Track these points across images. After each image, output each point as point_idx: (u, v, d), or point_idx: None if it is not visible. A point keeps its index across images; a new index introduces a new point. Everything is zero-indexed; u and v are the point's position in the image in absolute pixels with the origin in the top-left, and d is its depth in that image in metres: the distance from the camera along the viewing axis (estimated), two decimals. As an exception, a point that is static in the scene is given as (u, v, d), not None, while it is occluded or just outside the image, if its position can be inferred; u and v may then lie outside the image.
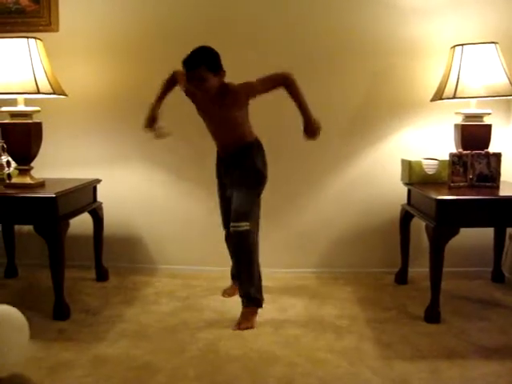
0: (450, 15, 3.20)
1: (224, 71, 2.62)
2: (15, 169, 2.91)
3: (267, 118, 3.34)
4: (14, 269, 3.40)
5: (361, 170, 3.38)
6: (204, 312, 2.79)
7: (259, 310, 2.69)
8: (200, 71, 2.51)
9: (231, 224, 2.62)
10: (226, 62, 3.30)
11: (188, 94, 2.74)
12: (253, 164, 2.73)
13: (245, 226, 2.59)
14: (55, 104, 3.20)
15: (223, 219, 2.89)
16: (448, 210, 2.60)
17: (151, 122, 2.84)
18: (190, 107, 3.25)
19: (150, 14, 3.32)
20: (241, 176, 2.71)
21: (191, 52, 2.55)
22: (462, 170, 2.85)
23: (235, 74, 3.31)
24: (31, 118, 2.85)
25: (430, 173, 3.02)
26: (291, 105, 3.31)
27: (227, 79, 2.65)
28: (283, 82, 2.67)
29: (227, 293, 3.00)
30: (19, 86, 2.74)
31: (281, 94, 3.30)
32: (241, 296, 2.70)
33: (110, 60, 3.37)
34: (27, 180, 2.85)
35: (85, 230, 3.25)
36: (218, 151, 2.86)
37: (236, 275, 2.84)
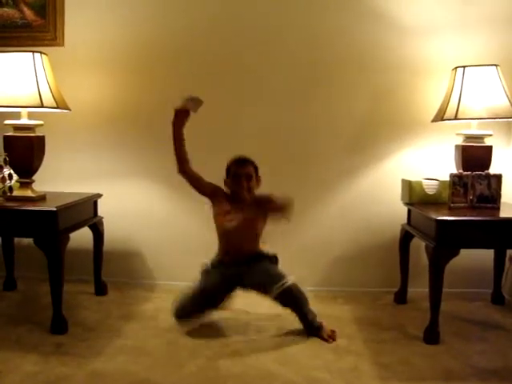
0: (452, 36, 3.23)
1: (260, 178, 2.83)
2: (17, 182, 2.91)
3: (267, 135, 3.37)
4: (13, 281, 3.40)
5: (361, 189, 3.39)
6: (203, 328, 2.78)
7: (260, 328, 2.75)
8: (249, 168, 2.77)
9: (276, 286, 2.61)
10: (227, 78, 3.35)
11: (219, 202, 2.83)
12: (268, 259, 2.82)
13: (290, 279, 2.64)
14: (58, 118, 3.21)
15: (192, 306, 2.77)
16: (448, 231, 2.60)
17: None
18: (193, 121, 3.27)
19: (156, 29, 3.36)
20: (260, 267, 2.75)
21: (238, 156, 2.82)
22: (462, 190, 2.85)
23: (237, 92, 3.36)
24: (34, 132, 2.86)
25: (431, 193, 3.02)
26: (292, 121, 3.35)
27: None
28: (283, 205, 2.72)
29: None
30: (23, 99, 2.76)
31: (282, 109, 3.34)
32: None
33: (114, 75, 3.40)
34: (28, 193, 2.86)
35: (85, 244, 3.25)
36: (223, 258, 2.84)
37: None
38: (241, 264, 2.76)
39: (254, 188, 2.77)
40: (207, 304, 2.76)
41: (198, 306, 2.75)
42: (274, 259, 2.85)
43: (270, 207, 2.69)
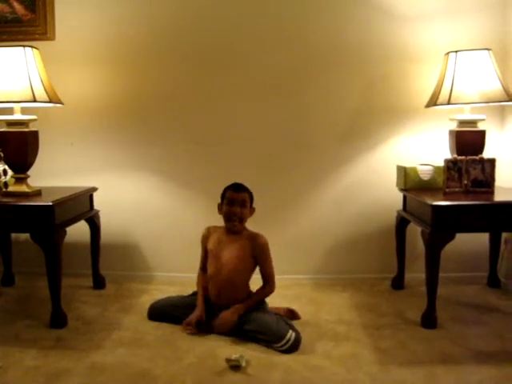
0: (444, 22, 3.23)
1: (254, 208, 2.80)
2: (12, 177, 2.91)
3: (263, 124, 3.37)
4: (11, 277, 3.40)
5: (356, 176, 3.39)
6: (201, 319, 2.79)
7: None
8: (245, 195, 2.74)
9: (279, 344, 2.47)
10: (222, 70, 3.34)
11: (210, 241, 2.80)
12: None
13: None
14: (52, 112, 3.21)
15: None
16: (443, 216, 2.62)
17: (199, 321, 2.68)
18: (188, 113, 3.28)
19: (147, 22, 3.34)
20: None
21: (234, 183, 2.78)
22: (456, 175, 2.86)
23: (232, 83, 3.36)
24: (28, 127, 2.84)
25: (426, 179, 3.03)
26: (287, 110, 3.35)
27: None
28: (268, 282, 2.74)
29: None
30: (16, 94, 2.74)
31: (276, 98, 3.34)
32: None
33: (106, 68, 3.38)
34: (24, 188, 2.85)
35: (82, 238, 3.26)
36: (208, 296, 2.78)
37: None
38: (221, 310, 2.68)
39: (246, 216, 2.75)
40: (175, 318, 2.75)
41: (169, 316, 2.77)
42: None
43: (261, 267, 2.74)
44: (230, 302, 2.67)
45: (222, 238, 2.78)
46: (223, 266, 2.71)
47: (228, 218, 2.74)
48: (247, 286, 2.75)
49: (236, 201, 2.72)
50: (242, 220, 2.74)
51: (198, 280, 2.85)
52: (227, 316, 2.60)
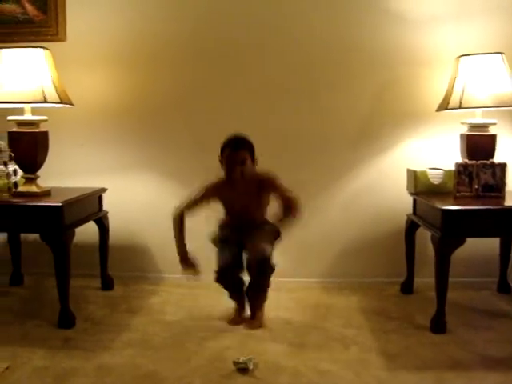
0: (456, 26, 3.22)
1: (257, 160, 2.73)
2: (22, 177, 2.92)
3: (273, 127, 3.36)
4: (20, 277, 3.41)
5: (366, 180, 3.38)
6: (210, 321, 2.78)
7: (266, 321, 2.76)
8: (244, 153, 2.65)
9: (257, 251, 2.63)
10: (232, 72, 3.34)
11: (220, 196, 2.80)
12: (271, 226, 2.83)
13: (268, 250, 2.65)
14: (62, 113, 3.21)
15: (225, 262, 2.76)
16: (454, 220, 2.60)
17: (186, 260, 2.84)
18: (198, 115, 3.26)
19: (158, 24, 3.34)
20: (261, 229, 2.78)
21: (233, 137, 2.69)
22: (467, 179, 2.84)
23: (243, 85, 3.36)
24: (38, 127, 2.86)
25: (436, 183, 3.01)
26: (298, 114, 3.34)
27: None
28: (292, 204, 2.76)
29: (235, 322, 2.80)
30: (26, 95, 2.75)
31: (288, 101, 3.33)
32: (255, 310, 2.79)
33: (116, 70, 3.39)
34: (33, 189, 2.86)
35: (90, 238, 3.26)
36: (229, 223, 2.89)
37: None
38: (244, 228, 2.78)
39: (248, 172, 2.67)
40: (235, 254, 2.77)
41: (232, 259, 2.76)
42: (274, 232, 2.82)
43: (280, 198, 2.74)
44: (244, 223, 2.80)
45: (229, 194, 2.76)
46: (240, 214, 2.80)
47: (229, 177, 2.68)
48: (262, 214, 2.85)
49: (235, 161, 2.63)
50: (243, 176, 2.66)
51: (177, 221, 2.86)
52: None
